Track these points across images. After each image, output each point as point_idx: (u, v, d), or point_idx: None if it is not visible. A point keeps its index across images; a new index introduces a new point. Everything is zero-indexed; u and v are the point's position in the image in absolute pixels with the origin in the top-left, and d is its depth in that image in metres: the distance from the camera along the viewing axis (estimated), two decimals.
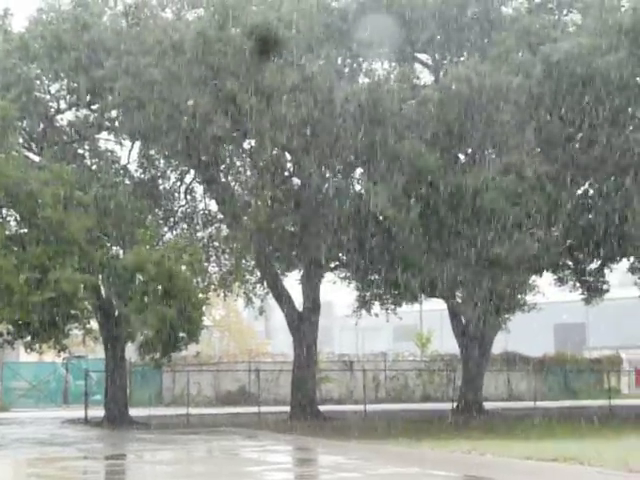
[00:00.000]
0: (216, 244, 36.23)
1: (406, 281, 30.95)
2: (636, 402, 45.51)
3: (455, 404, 39.48)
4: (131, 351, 34.81)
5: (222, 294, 38.29)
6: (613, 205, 32.97)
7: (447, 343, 49.51)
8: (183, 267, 29.93)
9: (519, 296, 32.54)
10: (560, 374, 52.51)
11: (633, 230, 31.76)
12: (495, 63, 30.87)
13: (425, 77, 35.74)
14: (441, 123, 30.42)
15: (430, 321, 69.19)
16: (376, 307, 35.87)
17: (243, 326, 72.76)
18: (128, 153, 34.57)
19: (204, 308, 31.63)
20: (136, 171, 34.92)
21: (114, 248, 32.46)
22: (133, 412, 35.06)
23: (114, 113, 33.59)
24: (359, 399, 42.16)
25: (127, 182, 33.93)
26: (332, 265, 36.60)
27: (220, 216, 35.88)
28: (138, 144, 34.16)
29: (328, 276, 37.57)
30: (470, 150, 32.52)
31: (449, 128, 30.52)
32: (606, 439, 26.47)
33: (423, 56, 36.29)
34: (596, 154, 32.90)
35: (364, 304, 34.93)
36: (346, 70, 34.31)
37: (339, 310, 62.58)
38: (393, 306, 35.94)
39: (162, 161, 34.98)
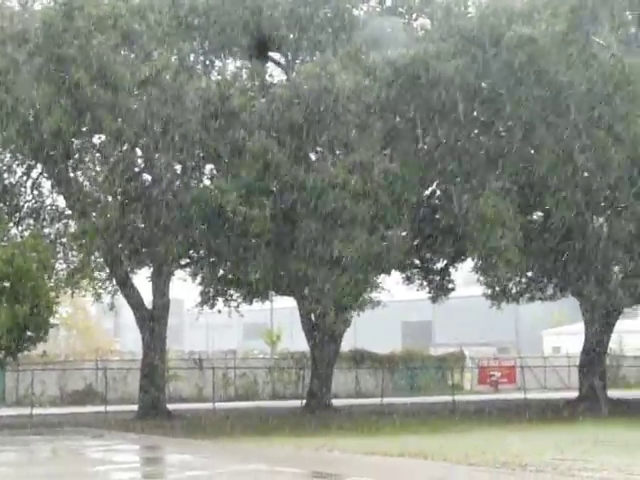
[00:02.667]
0: (64, 240, 35.49)
1: (255, 278, 31.04)
2: (477, 398, 46.78)
3: (304, 401, 39.77)
4: None
5: (70, 291, 37.53)
6: (458, 205, 33.83)
7: (297, 341, 49.81)
8: (33, 265, 29.36)
9: (364, 294, 32.98)
10: (407, 371, 53.48)
11: (476, 230, 32.65)
12: (344, 63, 31.25)
13: (278, 75, 35.90)
14: (290, 121, 30.63)
15: (281, 319, 69.50)
16: (220, 304, 35.73)
17: (91, 324, 71.51)
18: None
19: (54, 307, 31.16)
20: None
21: None
22: None
23: None
24: (208, 397, 42.02)
25: None
26: (182, 262, 36.32)
27: (68, 212, 35.16)
28: None
29: (178, 273, 37.29)
30: (319, 148, 32.81)
31: (298, 126, 30.74)
32: (449, 434, 27.17)
33: (276, 55, 36.41)
34: (442, 155, 33.74)
35: (207, 300, 34.75)
36: (198, 66, 34.14)
37: (189, 308, 62.46)
38: (242, 303, 35.88)
39: (7, 154, 34.03)
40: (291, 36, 34.50)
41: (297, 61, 35.14)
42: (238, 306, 35.27)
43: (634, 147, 33.10)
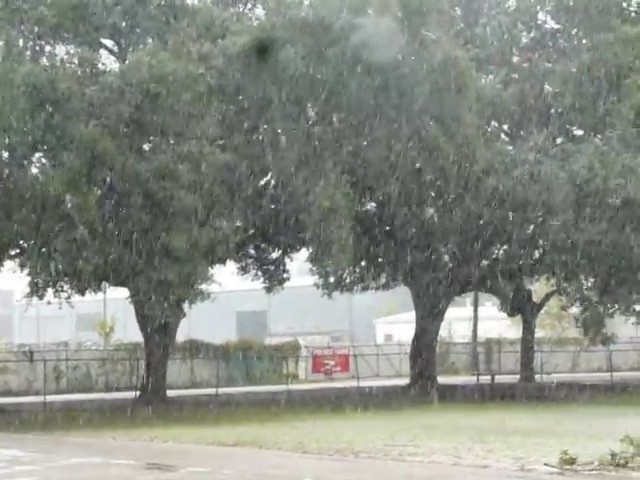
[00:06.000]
0: None
1: (84, 269, 30.45)
2: (312, 387, 47.33)
3: (138, 393, 39.34)
4: None
5: None
6: (293, 195, 34.09)
7: (131, 332, 49.19)
8: None
9: (195, 286, 32.81)
10: (242, 361, 53.52)
11: (309, 220, 32.96)
12: (175, 52, 31.01)
13: (112, 63, 35.28)
14: (121, 110, 30.17)
15: (115, 309, 68.47)
16: (50, 295, 34.91)
17: None
18: None
19: None
20: None
21: None
22: None
23: None
24: (39, 390, 41.05)
25: None
26: (11, 253, 35.35)
27: None
28: None
29: (8, 264, 36.24)
30: (152, 137, 32.45)
31: (130, 115, 30.31)
32: (284, 423, 27.43)
33: (109, 42, 35.78)
34: (277, 145, 33.93)
35: (36, 291, 33.94)
36: (27, 52, 33.23)
37: (18, 299, 60.83)
38: (74, 294, 35.11)
39: None
40: (123, 24, 33.99)
41: (130, 49, 34.61)
42: (69, 297, 34.50)
43: (463, 139, 34.11)
